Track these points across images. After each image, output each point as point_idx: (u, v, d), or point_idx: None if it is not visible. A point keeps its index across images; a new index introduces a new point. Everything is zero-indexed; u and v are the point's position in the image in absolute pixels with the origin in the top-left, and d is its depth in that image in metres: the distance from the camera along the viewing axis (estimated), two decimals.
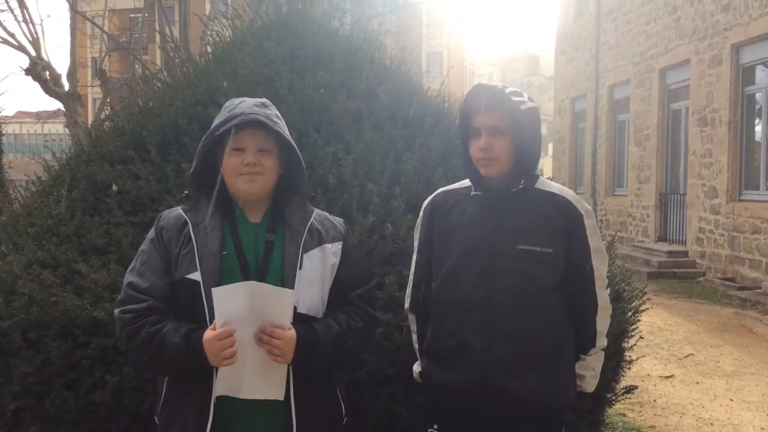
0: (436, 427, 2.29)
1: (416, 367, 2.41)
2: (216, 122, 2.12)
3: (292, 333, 1.98)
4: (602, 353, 2.34)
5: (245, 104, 2.11)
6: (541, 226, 2.21)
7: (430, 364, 2.30)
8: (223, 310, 1.92)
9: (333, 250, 2.15)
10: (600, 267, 2.28)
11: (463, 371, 2.18)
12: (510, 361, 2.15)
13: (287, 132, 2.14)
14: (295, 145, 2.14)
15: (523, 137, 2.19)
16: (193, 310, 2.01)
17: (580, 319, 2.27)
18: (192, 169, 2.12)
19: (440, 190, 2.42)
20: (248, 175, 2.07)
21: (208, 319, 1.98)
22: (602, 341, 2.31)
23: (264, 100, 2.17)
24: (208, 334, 1.93)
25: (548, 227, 2.21)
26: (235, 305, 1.93)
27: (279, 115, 2.17)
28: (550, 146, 23.02)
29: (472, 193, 2.29)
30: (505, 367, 2.15)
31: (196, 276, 2.02)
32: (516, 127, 2.18)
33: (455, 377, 2.20)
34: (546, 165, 22.66)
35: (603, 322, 2.30)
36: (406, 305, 2.44)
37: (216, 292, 1.92)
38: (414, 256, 2.42)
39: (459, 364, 2.19)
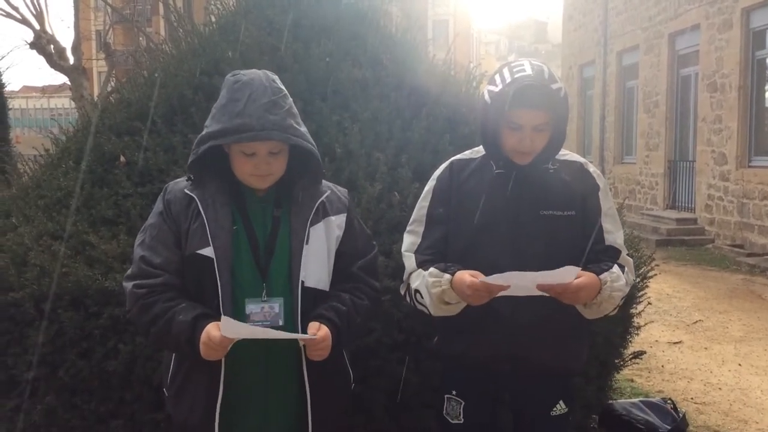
0: (454, 393, 2.31)
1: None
2: (220, 121, 1.97)
3: (326, 331, 1.96)
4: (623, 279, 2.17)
5: (254, 106, 1.95)
6: (561, 191, 2.22)
7: (452, 331, 2.28)
8: (232, 335, 1.86)
9: (337, 223, 2.14)
10: (613, 231, 2.25)
11: (489, 338, 2.19)
12: (536, 328, 2.16)
13: (301, 129, 2.04)
14: (311, 146, 2.04)
15: (561, 125, 2.18)
16: (202, 286, 2.00)
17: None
18: (194, 158, 2.03)
19: (454, 158, 2.36)
20: (259, 176, 2.04)
21: (220, 295, 1.97)
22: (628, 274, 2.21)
23: (272, 94, 2.00)
24: (213, 332, 1.87)
25: (568, 192, 2.22)
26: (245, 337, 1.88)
27: (291, 102, 2.04)
28: None
29: (495, 171, 2.24)
30: (531, 334, 2.17)
31: (208, 252, 1.98)
32: (556, 119, 2.16)
33: (480, 344, 2.21)
34: None
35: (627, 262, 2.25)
36: (414, 266, 2.27)
37: (224, 321, 1.84)
38: (417, 228, 2.29)
39: (484, 331, 2.18)
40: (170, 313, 1.95)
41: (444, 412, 2.33)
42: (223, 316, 1.86)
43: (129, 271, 2.07)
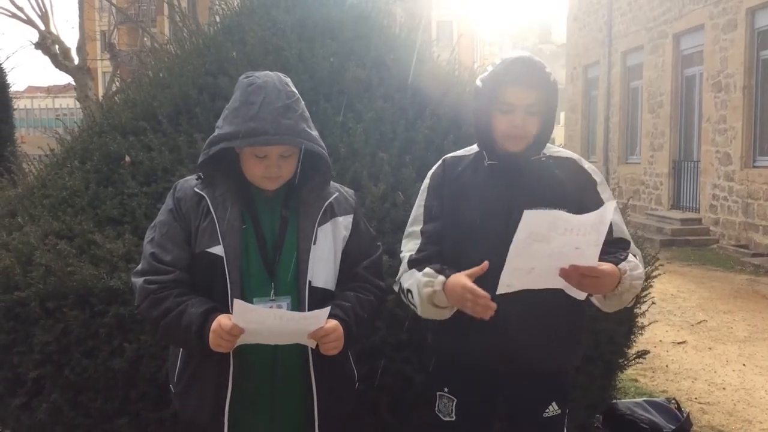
0: (446, 390, 2.31)
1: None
2: (233, 123, 1.98)
3: (335, 323, 1.97)
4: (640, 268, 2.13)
5: (268, 110, 1.97)
6: (553, 190, 2.20)
7: (444, 330, 2.28)
8: (244, 322, 1.87)
9: (344, 224, 2.15)
10: (619, 222, 2.22)
11: (481, 337, 2.17)
12: (528, 327, 2.15)
13: (313, 132, 2.05)
14: (321, 150, 2.05)
15: (551, 112, 2.18)
16: (212, 284, 2.01)
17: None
18: (204, 158, 2.04)
19: (447, 155, 2.38)
20: (269, 178, 2.05)
21: (230, 293, 1.98)
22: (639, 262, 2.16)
23: (286, 98, 2.01)
24: (225, 322, 1.88)
25: (560, 190, 2.21)
26: (256, 323, 1.88)
27: (303, 106, 2.05)
28: (562, 115, 22.82)
29: (487, 162, 2.24)
30: (523, 334, 2.16)
31: (218, 250, 2.00)
32: (546, 103, 2.16)
33: (472, 343, 2.20)
34: (558, 133, 22.50)
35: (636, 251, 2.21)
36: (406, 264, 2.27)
37: (237, 304, 1.85)
38: (416, 228, 2.29)
39: (476, 330, 2.16)
40: (182, 306, 1.96)
41: (436, 409, 2.33)
42: (236, 300, 1.87)
43: (138, 267, 2.07)
